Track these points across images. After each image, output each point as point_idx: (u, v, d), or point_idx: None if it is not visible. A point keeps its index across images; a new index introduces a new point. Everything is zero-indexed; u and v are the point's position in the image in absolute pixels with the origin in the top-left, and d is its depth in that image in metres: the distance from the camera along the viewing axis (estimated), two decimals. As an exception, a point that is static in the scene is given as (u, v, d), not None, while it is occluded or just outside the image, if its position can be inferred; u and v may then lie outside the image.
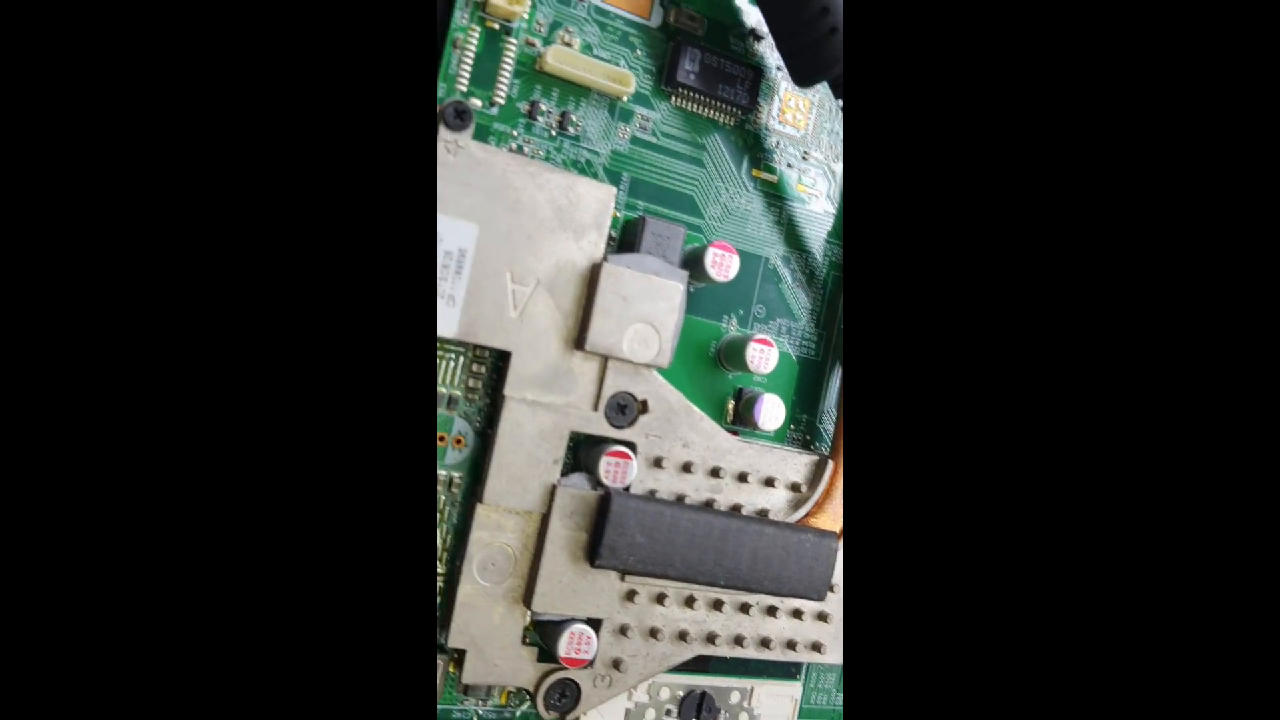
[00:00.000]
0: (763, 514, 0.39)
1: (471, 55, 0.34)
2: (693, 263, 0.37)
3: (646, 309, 0.35)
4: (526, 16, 0.35)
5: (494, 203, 0.33)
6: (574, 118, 0.36)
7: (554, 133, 0.36)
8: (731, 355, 0.39)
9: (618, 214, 0.37)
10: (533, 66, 0.35)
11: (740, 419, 0.40)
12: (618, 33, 0.37)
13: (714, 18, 0.38)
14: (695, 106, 0.38)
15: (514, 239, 0.34)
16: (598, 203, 0.35)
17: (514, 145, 0.35)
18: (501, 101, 0.35)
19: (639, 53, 0.37)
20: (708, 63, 0.37)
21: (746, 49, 0.39)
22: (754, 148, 0.40)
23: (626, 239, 0.37)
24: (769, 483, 0.39)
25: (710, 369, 0.40)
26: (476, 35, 0.34)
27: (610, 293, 0.34)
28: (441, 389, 0.35)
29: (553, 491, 0.35)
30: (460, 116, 0.32)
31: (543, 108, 0.36)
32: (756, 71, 0.39)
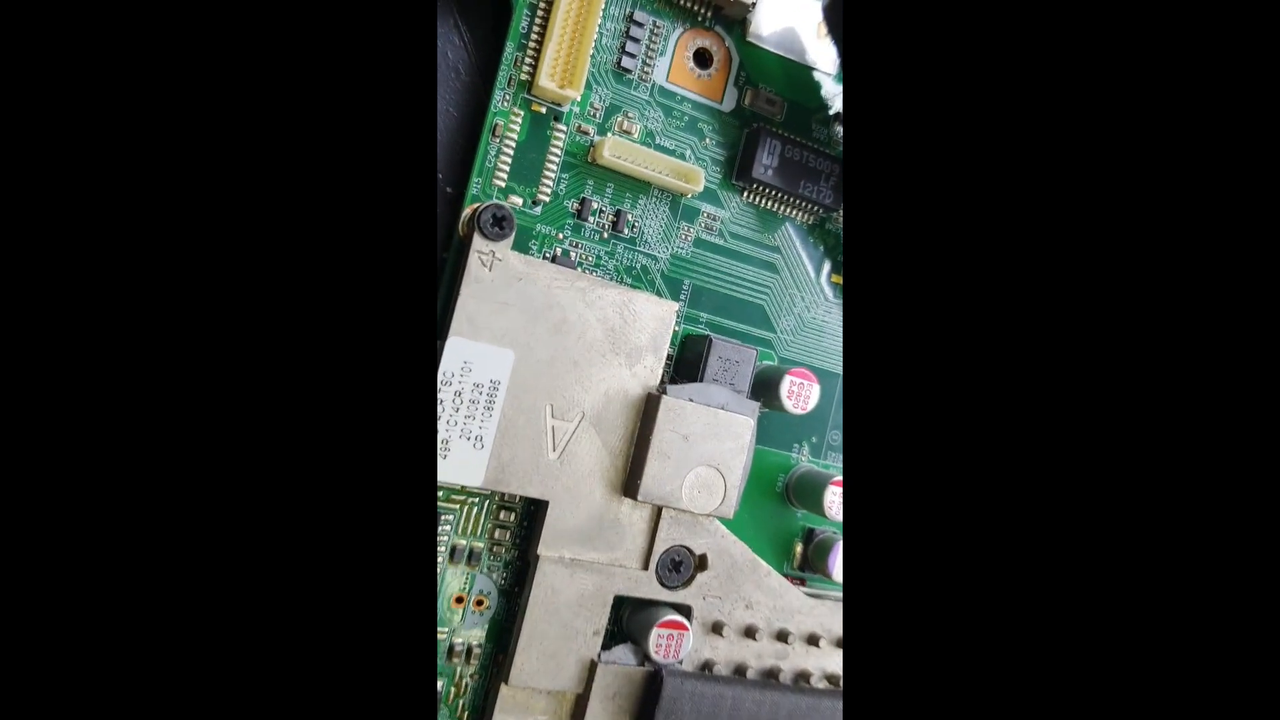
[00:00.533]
0: (834, 680, 0.33)
1: (513, 145, 0.29)
2: (764, 387, 0.32)
3: (711, 449, 0.29)
4: (579, 100, 0.29)
5: (535, 324, 0.27)
6: (630, 217, 0.31)
7: (606, 235, 0.30)
8: (804, 495, 0.33)
9: (677, 328, 0.31)
10: (584, 158, 0.30)
11: (809, 564, 0.34)
12: (684, 118, 0.31)
13: (795, 99, 0.33)
14: (771, 203, 0.33)
15: (557, 366, 0.28)
16: (657, 321, 0.29)
17: (559, 250, 0.30)
18: (546, 199, 0.29)
19: (708, 141, 0.32)
20: (788, 155, 0.32)
21: (830, 135, 0.33)
22: (835, 249, 0.34)
23: (686, 357, 0.31)
24: (841, 644, 0.33)
25: (777, 505, 0.34)
26: (519, 121, 0.29)
27: (669, 431, 0.29)
28: (460, 540, 0.29)
29: (592, 668, 0.29)
30: (499, 224, 0.27)
31: (594, 206, 0.30)
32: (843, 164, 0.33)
